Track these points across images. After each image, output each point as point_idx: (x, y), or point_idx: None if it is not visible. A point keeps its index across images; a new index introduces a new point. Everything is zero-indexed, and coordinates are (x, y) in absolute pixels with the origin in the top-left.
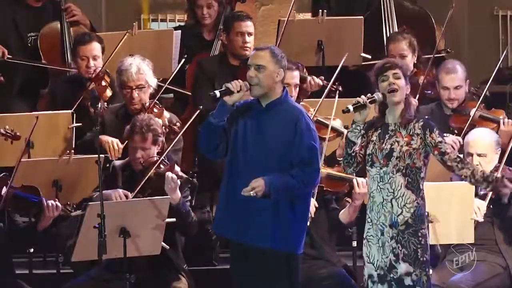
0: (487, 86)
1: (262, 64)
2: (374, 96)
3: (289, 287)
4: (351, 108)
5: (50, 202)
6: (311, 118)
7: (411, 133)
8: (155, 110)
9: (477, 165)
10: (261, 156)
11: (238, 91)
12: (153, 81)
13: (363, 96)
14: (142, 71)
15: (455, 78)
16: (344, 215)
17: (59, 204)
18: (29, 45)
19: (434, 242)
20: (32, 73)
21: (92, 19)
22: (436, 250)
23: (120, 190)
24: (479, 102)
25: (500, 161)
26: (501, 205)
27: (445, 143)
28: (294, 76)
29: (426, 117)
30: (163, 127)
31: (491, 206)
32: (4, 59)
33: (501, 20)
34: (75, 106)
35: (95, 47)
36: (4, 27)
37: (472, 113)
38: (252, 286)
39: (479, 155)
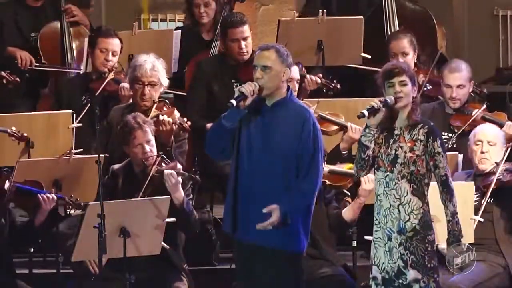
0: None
1: (269, 65)
2: (386, 100)
3: (295, 286)
4: (366, 113)
5: (45, 195)
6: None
7: (414, 138)
8: (164, 109)
9: (487, 152)
10: (267, 155)
11: (252, 95)
12: (165, 81)
13: (376, 100)
14: (156, 68)
15: (458, 77)
16: (348, 213)
17: (54, 196)
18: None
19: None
20: (32, 73)
21: (92, 19)
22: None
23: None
24: (484, 106)
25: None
26: (502, 201)
27: (442, 156)
28: (294, 71)
29: (432, 124)
30: (174, 124)
31: (491, 201)
32: (32, 68)
33: (501, 20)
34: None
35: (117, 43)
36: (8, 30)
37: (474, 114)
38: (259, 286)
39: (488, 142)
